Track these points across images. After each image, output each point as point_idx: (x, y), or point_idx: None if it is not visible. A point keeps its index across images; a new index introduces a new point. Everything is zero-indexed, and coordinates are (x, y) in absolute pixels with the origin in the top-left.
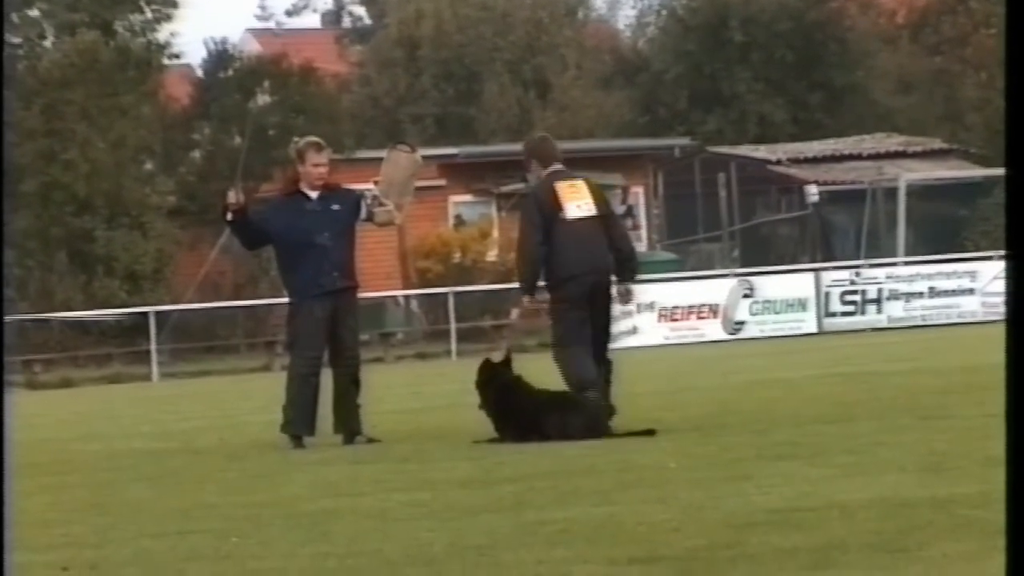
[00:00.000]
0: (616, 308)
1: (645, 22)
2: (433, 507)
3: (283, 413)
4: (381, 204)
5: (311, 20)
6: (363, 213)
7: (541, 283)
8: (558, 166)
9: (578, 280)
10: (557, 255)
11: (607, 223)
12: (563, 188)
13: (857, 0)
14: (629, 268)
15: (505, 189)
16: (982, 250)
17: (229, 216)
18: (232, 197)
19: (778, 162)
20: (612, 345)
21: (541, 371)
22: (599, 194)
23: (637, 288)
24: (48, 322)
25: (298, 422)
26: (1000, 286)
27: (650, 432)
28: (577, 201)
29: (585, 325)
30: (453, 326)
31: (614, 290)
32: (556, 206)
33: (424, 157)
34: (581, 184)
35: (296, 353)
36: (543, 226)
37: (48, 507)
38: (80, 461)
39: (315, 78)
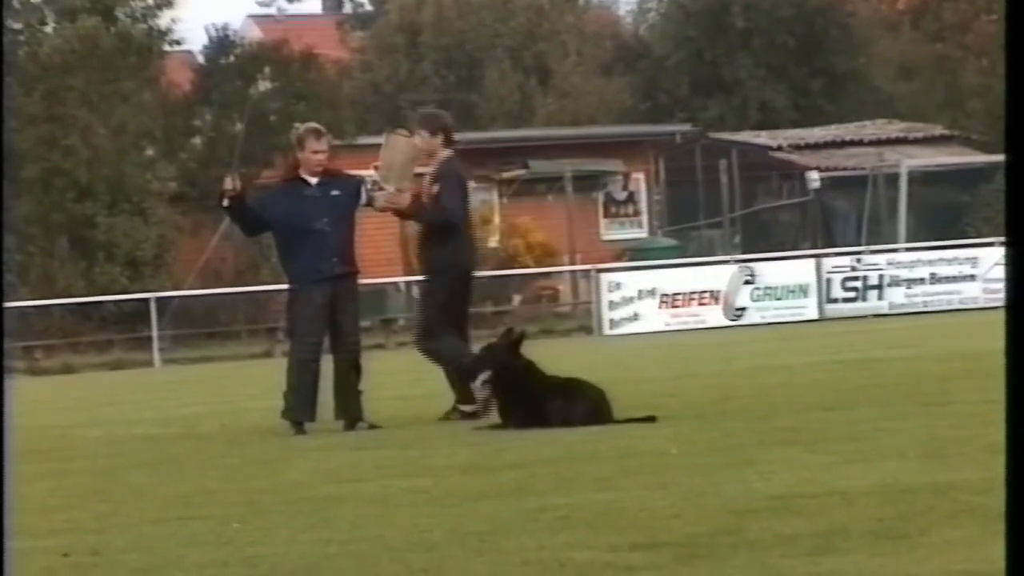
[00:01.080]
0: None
1: (646, 8)
2: (434, 493)
3: (284, 399)
4: (381, 189)
5: (312, 6)
6: (363, 199)
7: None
8: (452, 151)
9: (458, 270)
10: (451, 245)
11: None
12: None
13: None
14: None
15: (506, 175)
16: (983, 236)
17: (225, 202)
18: (229, 183)
19: (779, 148)
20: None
21: (543, 358)
22: None
23: None
24: (49, 308)
25: (299, 408)
26: (1001, 272)
27: (651, 418)
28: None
29: (456, 313)
30: None
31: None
32: (465, 198)
33: None
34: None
35: (296, 339)
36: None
37: (49, 493)
38: (81, 447)
39: (316, 64)
